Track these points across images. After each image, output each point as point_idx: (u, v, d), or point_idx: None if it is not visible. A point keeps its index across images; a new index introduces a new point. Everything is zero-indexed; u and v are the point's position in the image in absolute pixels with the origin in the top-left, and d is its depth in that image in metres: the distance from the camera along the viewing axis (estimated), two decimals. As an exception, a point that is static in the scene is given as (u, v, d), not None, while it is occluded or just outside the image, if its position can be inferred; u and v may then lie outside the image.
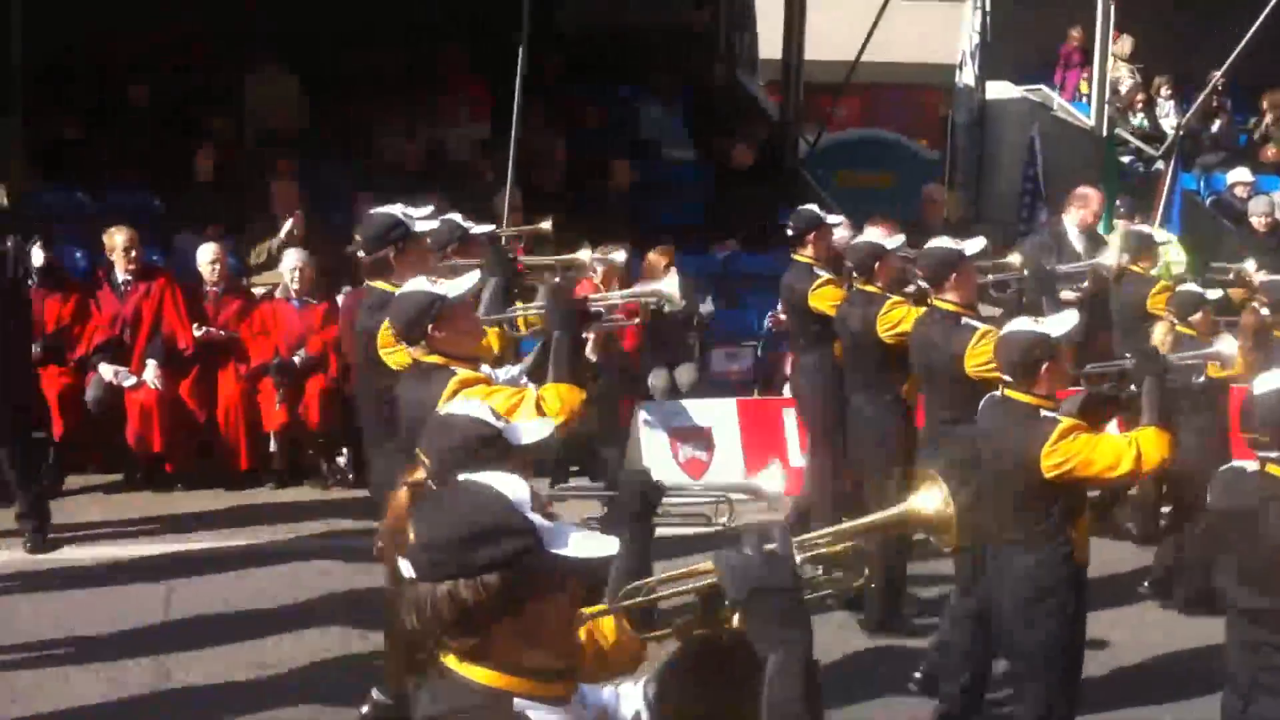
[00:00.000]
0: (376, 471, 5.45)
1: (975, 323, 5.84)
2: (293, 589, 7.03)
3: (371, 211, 5.45)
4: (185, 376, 8.71)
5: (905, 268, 6.91)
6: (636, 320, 5.81)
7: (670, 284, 5.68)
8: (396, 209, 5.39)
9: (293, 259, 9.11)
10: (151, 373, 8.56)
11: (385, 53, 11.86)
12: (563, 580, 2.16)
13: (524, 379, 4.49)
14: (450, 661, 2.16)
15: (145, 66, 11.46)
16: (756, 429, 8.84)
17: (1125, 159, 13.59)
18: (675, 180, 11.86)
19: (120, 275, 8.80)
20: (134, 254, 8.78)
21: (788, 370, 9.27)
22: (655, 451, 8.66)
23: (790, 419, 8.62)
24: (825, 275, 7.17)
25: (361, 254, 5.36)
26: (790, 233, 7.50)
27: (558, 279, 6.32)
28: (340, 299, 9.18)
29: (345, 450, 8.84)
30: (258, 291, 9.45)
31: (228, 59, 11.75)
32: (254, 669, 6.13)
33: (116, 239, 8.78)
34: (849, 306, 6.80)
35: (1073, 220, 9.30)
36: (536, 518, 2.15)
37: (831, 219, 7.73)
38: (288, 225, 9.69)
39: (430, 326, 4.38)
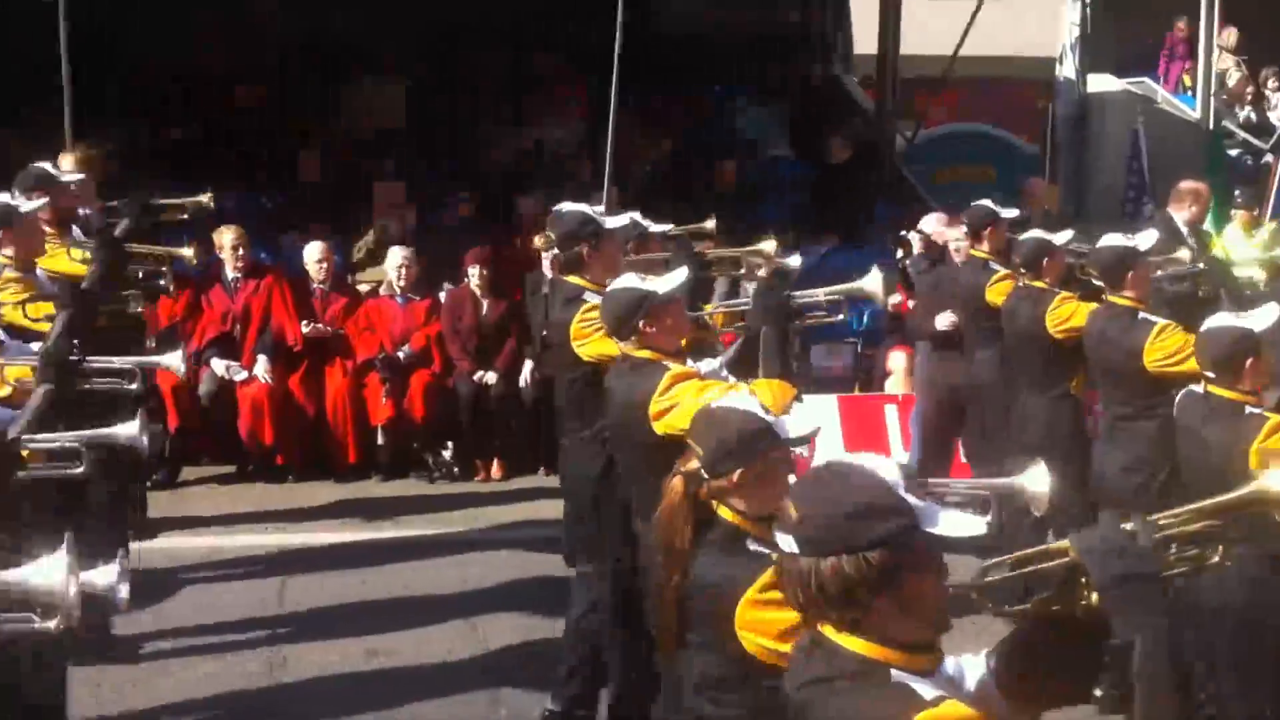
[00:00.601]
0: (568, 459, 5.52)
1: (1152, 318, 5.79)
2: (403, 581, 7.17)
3: (562, 209, 5.52)
4: (294, 371, 8.92)
5: (1072, 263, 6.87)
6: (841, 316, 5.75)
7: (874, 281, 5.57)
8: (582, 207, 5.47)
9: (397, 256, 9.29)
10: (262, 367, 8.77)
11: (486, 54, 12.03)
12: (936, 557, 2.32)
13: (724, 373, 4.53)
14: (827, 631, 2.31)
15: (254, 71, 11.77)
16: (858, 426, 8.81)
17: (1233, 152, 13.32)
18: (774, 178, 11.87)
19: (230, 273, 9.03)
20: (242, 252, 9.00)
21: (887, 367, 9.25)
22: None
23: (892, 415, 8.59)
24: (1002, 270, 7.15)
25: (555, 251, 5.42)
26: (965, 228, 7.50)
27: (742, 271, 6.41)
28: (443, 296, 9.37)
29: (450, 444, 9.00)
30: (363, 288, 9.66)
31: (333, 63, 12.01)
32: (367, 660, 6.26)
33: (225, 238, 9.01)
34: (1016, 302, 6.77)
35: (1181, 215, 9.14)
36: (911, 498, 2.31)
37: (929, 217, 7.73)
38: (389, 224, 9.88)
39: (641, 322, 4.47)
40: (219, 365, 8.78)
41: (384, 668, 6.16)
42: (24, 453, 3.88)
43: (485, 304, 9.26)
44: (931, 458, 7.80)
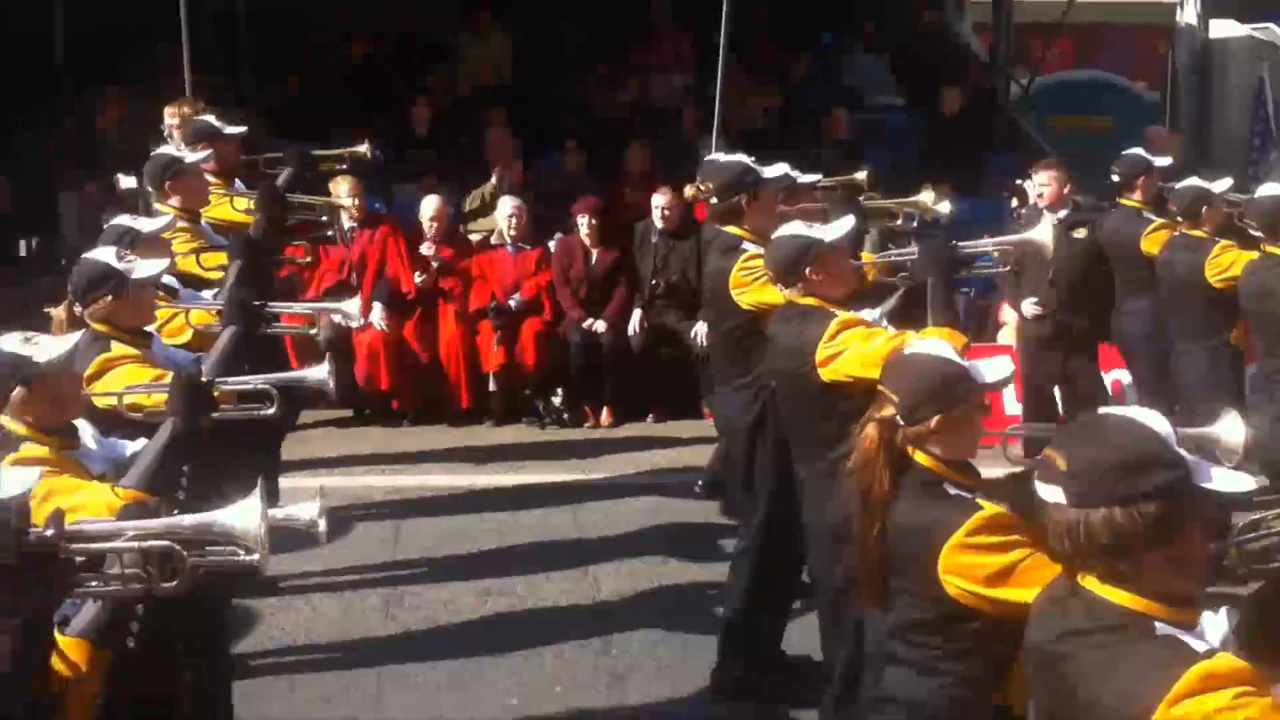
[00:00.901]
0: (723, 408, 5.57)
1: None
2: (515, 525, 7.29)
3: (719, 159, 5.55)
4: (409, 319, 9.08)
5: (1231, 212, 6.74)
6: (1007, 268, 5.68)
7: (1043, 232, 5.44)
8: (741, 157, 5.47)
9: (507, 206, 9.38)
10: (378, 315, 8.93)
11: (594, 5, 12.01)
12: (1209, 510, 2.31)
13: (884, 322, 4.53)
14: (1089, 583, 2.31)
15: (365, 24, 11.90)
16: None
17: (1363, 99, 12.82)
18: (884, 128, 11.72)
19: (346, 223, 9.18)
20: (357, 202, 9.14)
21: (1000, 318, 9.13)
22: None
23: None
24: (1158, 220, 7.04)
25: (714, 200, 5.45)
26: (1116, 178, 7.39)
27: (898, 222, 6.42)
28: (553, 245, 9.45)
29: (560, 391, 9.12)
30: (474, 238, 9.78)
31: (443, 15, 12.10)
32: (480, 601, 6.39)
33: (341, 189, 9.15)
34: (1173, 251, 6.67)
35: (1312, 164, 8.87)
36: (1183, 452, 2.29)
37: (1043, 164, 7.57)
38: (500, 174, 9.97)
39: (808, 269, 4.47)
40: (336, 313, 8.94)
41: (497, 610, 6.30)
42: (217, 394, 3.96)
43: (595, 253, 9.32)
44: (1032, 410, 7.68)
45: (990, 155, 11.26)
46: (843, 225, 4.65)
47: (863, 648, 3.83)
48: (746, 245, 5.19)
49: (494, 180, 9.98)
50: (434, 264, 9.19)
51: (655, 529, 7.18)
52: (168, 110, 7.93)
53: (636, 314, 9.20)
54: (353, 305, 5.32)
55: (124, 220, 5.17)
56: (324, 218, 6.63)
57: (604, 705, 5.42)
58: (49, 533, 1.98)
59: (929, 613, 3.19)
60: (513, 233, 9.33)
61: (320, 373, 4.39)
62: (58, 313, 4.42)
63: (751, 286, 5.05)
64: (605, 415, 9.12)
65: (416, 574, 6.65)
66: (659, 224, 9.38)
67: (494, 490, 7.81)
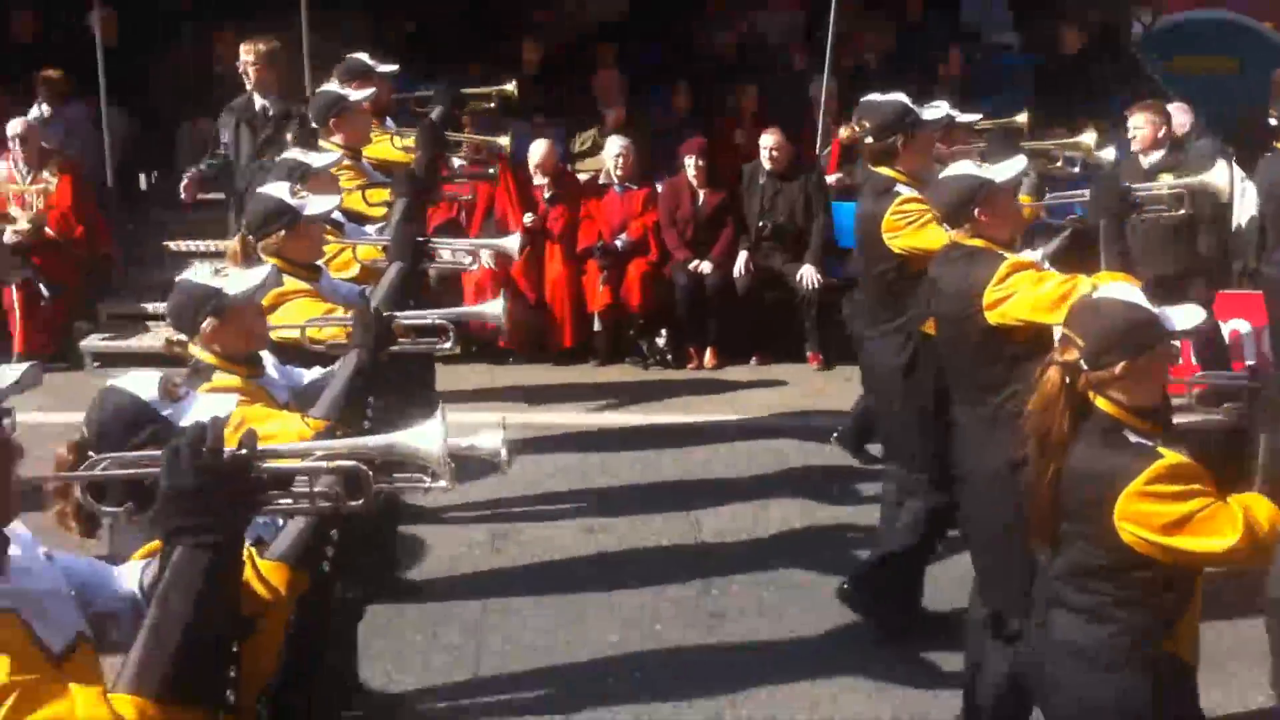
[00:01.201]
0: (874, 352, 5.50)
1: None
2: (619, 464, 7.38)
3: (876, 98, 5.48)
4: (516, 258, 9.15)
5: None
6: (1181, 211, 5.50)
7: (1219, 175, 5.30)
8: (899, 97, 5.39)
9: (615, 146, 9.38)
10: (486, 254, 9.01)
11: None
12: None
13: (1046, 264, 4.49)
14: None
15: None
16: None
17: None
18: (999, 68, 11.46)
19: (455, 161, 9.25)
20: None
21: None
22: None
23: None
24: None
25: (869, 140, 5.40)
26: (1274, 120, 7.16)
27: (1058, 164, 6.30)
28: (660, 186, 9.44)
29: (664, 331, 9.15)
30: (582, 178, 9.80)
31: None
32: (585, 537, 6.50)
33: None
34: None
35: None
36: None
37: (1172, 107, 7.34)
38: (609, 114, 9.96)
39: (977, 210, 4.42)
40: (445, 251, 9.04)
41: (601, 548, 6.39)
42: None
43: (701, 194, 9.30)
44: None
45: (1110, 97, 10.95)
46: (1013, 166, 4.56)
47: (1022, 593, 3.84)
48: (900, 188, 5.13)
49: (607, 120, 9.97)
50: (544, 201, 9.24)
51: (757, 471, 7.22)
52: (243, 48, 8.06)
53: (742, 255, 9.18)
54: (513, 242, 5.38)
55: (295, 154, 5.29)
56: (480, 155, 6.66)
57: (704, 644, 5.49)
58: (242, 451, 2.06)
59: (1101, 559, 3.21)
60: (620, 173, 9.34)
61: (495, 308, 4.45)
62: (232, 245, 4.54)
63: (905, 231, 5.01)
64: (709, 357, 9.14)
65: (522, 510, 6.77)
66: (767, 165, 9.33)
67: (598, 430, 7.90)
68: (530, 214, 9.20)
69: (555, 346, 9.20)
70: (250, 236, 4.46)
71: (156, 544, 2.59)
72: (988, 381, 4.33)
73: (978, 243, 4.43)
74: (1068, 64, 10.90)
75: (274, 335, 4.04)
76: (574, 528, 6.58)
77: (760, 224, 9.29)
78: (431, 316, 4.25)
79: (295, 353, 4.13)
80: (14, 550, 2.14)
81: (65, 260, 9.07)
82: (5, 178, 9.03)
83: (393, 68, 6.85)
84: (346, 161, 5.81)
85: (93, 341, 9.08)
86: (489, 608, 5.80)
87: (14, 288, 8.78)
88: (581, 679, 5.24)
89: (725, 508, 6.74)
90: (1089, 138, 6.22)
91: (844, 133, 6.48)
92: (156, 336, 9.35)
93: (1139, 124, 7.40)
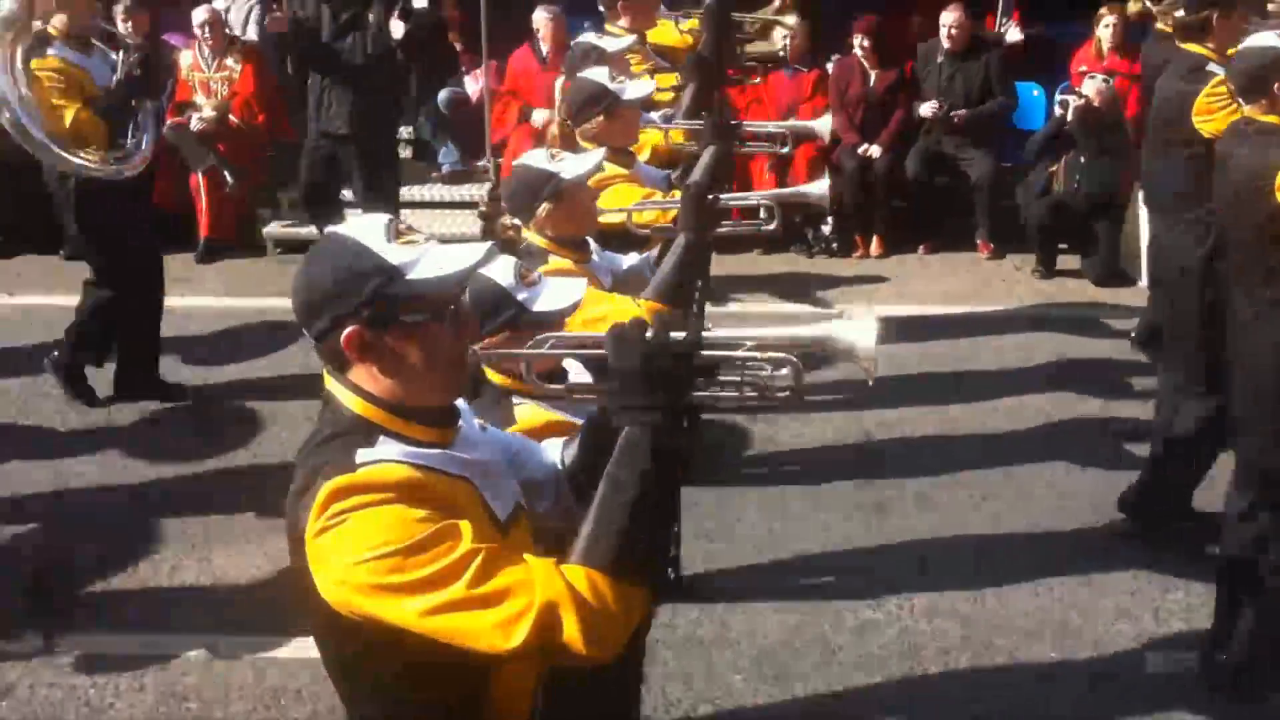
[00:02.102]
0: (1164, 249, 5.29)
1: None
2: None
3: None
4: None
5: None
6: None
7: None
8: None
9: (786, 28, 9.14)
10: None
11: None
12: None
13: None
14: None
15: None
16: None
17: None
18: None
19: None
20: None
21: None
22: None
23: None
24: None
25: (1180, 13, 5.18)
26: None
27: None
28: (830, 66, 9.21)
29: (829, 219, 8.99)
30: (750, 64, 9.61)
31: None
32: (749, 434, 6.50)
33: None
34: None
35: None
36: None
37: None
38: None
39: (1277, 85, 4.19)
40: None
41: (761, 443, 6.32)
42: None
43: (873, 75, 9.05)
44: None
45: None
46: None
47: None
48: (1213, 68, 4.86)
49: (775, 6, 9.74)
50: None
51: (920, 368, 7.08)
52: None
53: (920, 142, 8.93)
54: (824, 124, 5.30)
55: (590, 38, 5.32)
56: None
57: (866, 534, 5.47)
58: (684, 336, 2.08)
59: None
60: (788, 54, 9.14)
61: (820, 187, 4.40)
62: (552, 129, 4.61)
63: (1220, 114, 4.73)
64: (875, 245, 8.99)
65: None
66: (945, 44, 9.00)
67: (763, 316, 7.86)
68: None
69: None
70: (569, 121, 4.50)
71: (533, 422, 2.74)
72: (1271, 268, 4.15)
73: (1274, 119, 4.18)
74: None
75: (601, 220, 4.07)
76: (738, 420, 6.52)
77: (937, 106, 8.99)
78: (755, 198, 4.24)
79: (617, 236, 4.15)
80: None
81: (249, 147, 9.36)
82: (191, 65, 9.31)
83: (632, 38, 6.78)
84: (635, 45, 5.77)
85: (275, 228, 9.40)
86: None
87: (200, 174, 9.11)
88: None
89: (889, 408, 6.55)
90: None
91: (1133, 7, 6.03)
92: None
93: None
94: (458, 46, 10.11)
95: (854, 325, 2.16)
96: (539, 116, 9.44)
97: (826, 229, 9.03)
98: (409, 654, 1.95)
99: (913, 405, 6.54)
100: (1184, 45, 5.11)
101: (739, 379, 2.17)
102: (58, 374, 6.76)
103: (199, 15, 9.20)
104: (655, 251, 4.01)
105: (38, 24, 6.06)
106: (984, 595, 5.00)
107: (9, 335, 7.59)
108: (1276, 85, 4.15)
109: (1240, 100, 4.34)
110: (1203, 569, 4.81)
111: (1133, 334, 7.20)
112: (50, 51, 6.09)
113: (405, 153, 10.38)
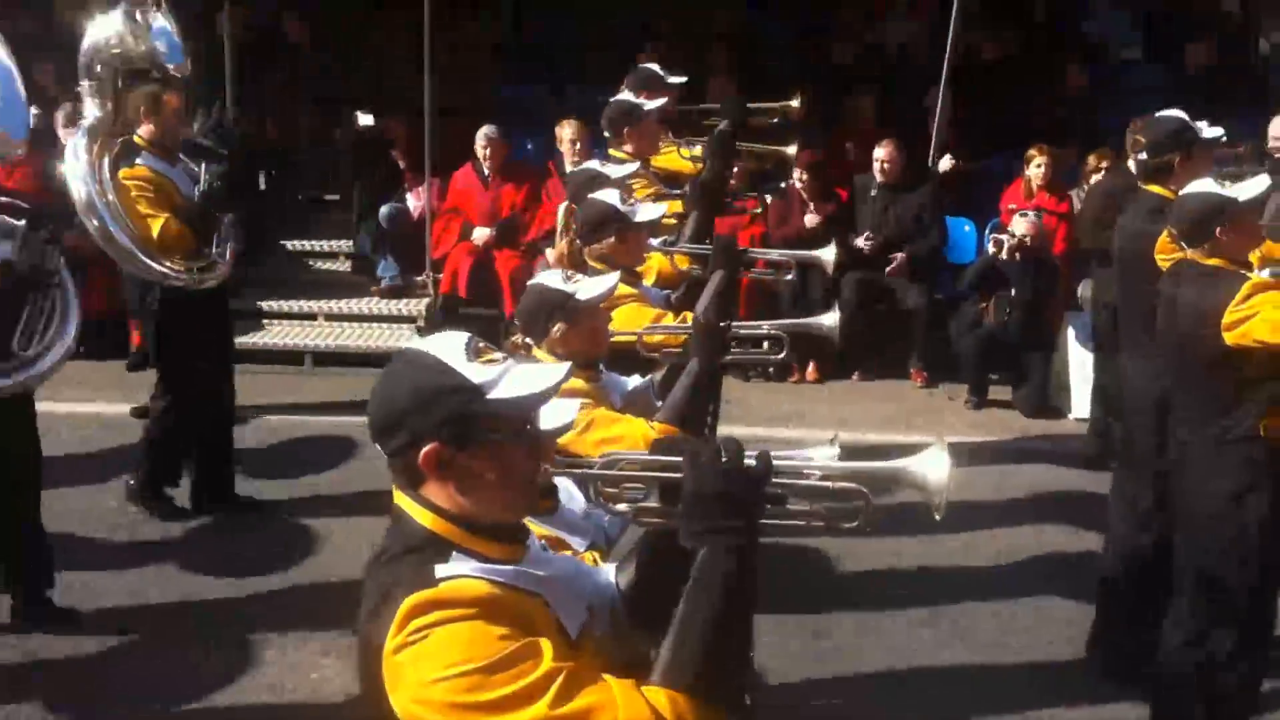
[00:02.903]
0: (1130, 376, 5.38)
1: None
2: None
3: (1159, 115, 5.41)
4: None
5: None
6: None
7: None
8: (1179, 113, 5.29)
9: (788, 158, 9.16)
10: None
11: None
12: None
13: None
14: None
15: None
16: None
17: None
18: (1124, 82, 11.20)
19: (568, 166, 9.32)
20: (580, 146, 9.23)
21: None
22: (1079, 362, 8.43)
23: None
24: None
25: (1144, 156, 5.34)
26: None
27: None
28: (769, 198, 9.37)
29: (765, 344, 9.04)
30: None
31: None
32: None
33: (565, 132, 9.28)
34: None
35: None
36: None
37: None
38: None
39: (1218, 229, 4.35)
40: (553, 254, 9.12)
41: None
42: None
43: (810, 207, 9.24)
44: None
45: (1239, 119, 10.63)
46: (1257, 185, 4.44)
47: (1236, 620, 3.80)
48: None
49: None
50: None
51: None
52: None
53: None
54: (829, 253, 5.37)
55: (593, 165, 5.36)
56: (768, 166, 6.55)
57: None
58: (757, 464, 2.09)
59: None
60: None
61: (831, 319, 4.39)
62: (557, 249, 4.61)
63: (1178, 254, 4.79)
64: (811, 370, 9.09)
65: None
66: (878, 177, 9.24)
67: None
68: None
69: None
70: (578, 241, 4.51)
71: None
72: (1216, 405, 4.28)
73: (1216, 262, 4.35)
74: (1194, 80, 10.60)
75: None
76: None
77: (869, 237, 9.18)
78: (766, 327, 4.26)
79: (623, 357, 4.14)
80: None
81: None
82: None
83: (682, 78, 6.86)
84: (640, 172, 5.81)
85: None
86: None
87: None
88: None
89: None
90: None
91: (1128, 143, 6.33)
92: (270, 334, 9.60)
93: (1277, 133, 7.19)
94: (401, 164, 10.21)
95: (927, 459, 2.17)
96: (479, 234, 9.56)
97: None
98: None
99: (853, 536, 6.53)
100: (1146, 186, 5.28)
101: (806, 507, 2.20)
102: (137, 500, 6.71)
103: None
104: (659, 374, 4.04)
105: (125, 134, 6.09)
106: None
107: (80, 444, 7.53)
108: (1218, 230, 4.31)
109: (1183, 245, 4.49)
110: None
111: (1082, 453, 7.32)
112: (138, 161, 6.13)
113: (345, 266, 10.41)
